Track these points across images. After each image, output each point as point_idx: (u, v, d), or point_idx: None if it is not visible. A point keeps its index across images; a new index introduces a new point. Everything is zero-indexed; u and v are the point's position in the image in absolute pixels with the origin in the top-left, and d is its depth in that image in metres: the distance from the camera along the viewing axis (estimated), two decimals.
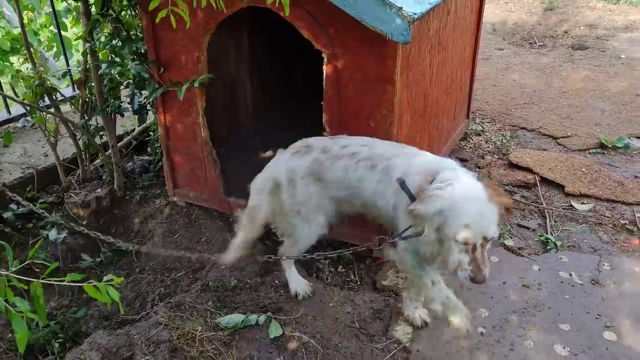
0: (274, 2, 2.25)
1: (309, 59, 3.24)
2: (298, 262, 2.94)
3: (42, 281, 1.60)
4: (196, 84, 3.02)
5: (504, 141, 4.57)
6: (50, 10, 4.11)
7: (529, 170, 4.10)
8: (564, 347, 2.59)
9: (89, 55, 3.41)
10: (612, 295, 2.91)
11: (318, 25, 2.68)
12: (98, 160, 4.02)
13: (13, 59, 4.93)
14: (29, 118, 3.77)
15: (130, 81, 3.53)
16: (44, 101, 3.74)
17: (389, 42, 2.46)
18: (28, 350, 2.69)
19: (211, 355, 2.45)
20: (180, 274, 3.18)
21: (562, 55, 6.79)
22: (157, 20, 1.96)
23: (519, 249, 3.28)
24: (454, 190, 2.12)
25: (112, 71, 3.46)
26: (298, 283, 2.87)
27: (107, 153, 3.79)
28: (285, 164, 2.64)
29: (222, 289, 2.91)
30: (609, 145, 4.47)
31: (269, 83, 4.51)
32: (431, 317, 2.69)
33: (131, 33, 3.35)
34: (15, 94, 3.66)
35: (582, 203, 3.74)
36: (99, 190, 3.71)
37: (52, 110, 3.58)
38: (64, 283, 1.64)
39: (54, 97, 3.53)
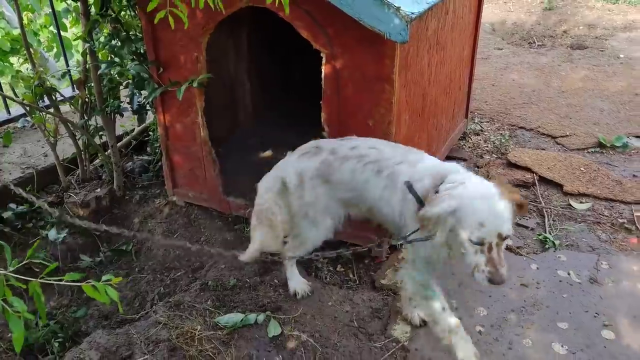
0: (273, 2, 2.26)
1: (308, 58, 3.25)
2: (297, 261, 2.95)
3: (41, 281, 1.60)
4: (195, 84, 3.03)
5: (503, 140, 4.58)
6: (50, 10, 4.12)
7: (527, 169, 4.11)
8: (562, 346, 2.60)
9: (88, 56, 3.42)
10: (610, 294, 2.92)
11: (317, 25, 2.68)
12: (98, 160, 4.03)
13: (13, 59, 4.95)
14: (28, 118, 3.78)
15: (130, 81, 3.54)
16: (43, 101, 3.75)
17: (387, 41, 2.47)
18: (27, 350, 2.70)
19: (210, 354, 2.46)
20: (179, 273, 3.19)
21: (561, 55, 6.79)
22: (155, 21, 1.97)
23: (518, 248, 3.28)
24: (465, 190, 2.09)
25: (112, 71, 3.47)
26: (298, 282, 2.88)
27: (106, 153, 3.80)
28: (294, 164, 2.63)
29: (221, 288, 2.92)
30: (608, 145, 4.48)
31: (268, 83, 4.52)
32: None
33: (130, 33, 3.36)
34: (15, 94, 3.67)
35: (581, 202, 3.75)
36: (99, 190, 3.72)
37: (51, 110, 3.59)
38: (62, 283, 1.64)
39: (53, 97, 3.54)
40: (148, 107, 3.77)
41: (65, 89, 4.43)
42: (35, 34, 4.97)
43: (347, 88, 2.80)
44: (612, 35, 7.36)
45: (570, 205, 3.72)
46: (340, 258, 3.18)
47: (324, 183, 2.55)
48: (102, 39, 3.44)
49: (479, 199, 2.05)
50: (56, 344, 2.72)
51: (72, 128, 3.66)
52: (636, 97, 5.43)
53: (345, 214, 2.68)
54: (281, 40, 4.07)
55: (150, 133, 4.17)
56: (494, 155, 4.41)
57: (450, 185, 2.15)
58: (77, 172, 3.89)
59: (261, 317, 2.67)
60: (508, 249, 3.26)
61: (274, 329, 2.61)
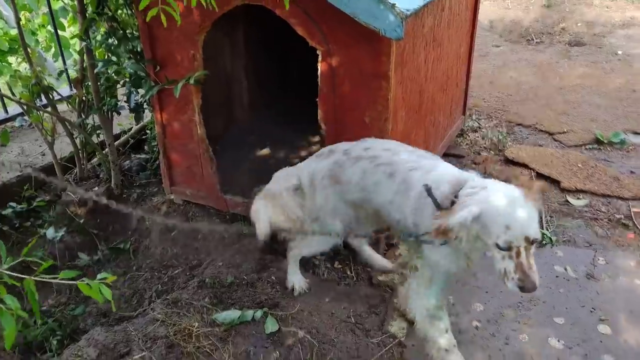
0: None
1: (305, 56, 3.25)
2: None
3: (35, 278, 1.61)
4: (192, 81, 3.03)
5: (500, 137, 4.58)
6: (48, 10, 4.13)
7: (525, 166, 4.12)
8: (558, 341, 2.61)
9: (85, 54, 3.42)
10: (606, 289, 2.93)
11: (312, 22, 2.69)
12: (95, 159, 4.03)
13: (11, 59, 4.95)
14: (26, 117, 3.78)
15: (127, 80, 3.54)
16: (41, 100, 3.75)
17: (383, 38, 2.47)
18: (26, 348, 2.71)
19: (207, 350, 2.47)
20: (177, 271, 3.19)
21: (559, 52, 6.80)
22: (147, 19, 1.97)
23: None
24: (488, 194, 2.00)
25: (109, 70, 3.47)
26: (297, 278, 2.89)
27: (104, 151, 3.81)
28: (308, 166, 2.64)
29: (218, 286, 2.92)
30: (605, 141, 4.49)
31: (265, 80, 4.52)
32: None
33: (127, 32, 3.36)
34: (13, 93, 3.68)
35: (578, 198, 3.76)
36: (97, 188, 3.72)
37: (49, 109, 3.59)
38: (56, 280, 1.64)
39: (50, 96, 3.54)
40: (145, 105, 3.77)
41: (63, 89, 4.44)
42: (34, 33, 4.96)
43: (343, 85, 2.80)
44: (610, 32, 7.36)
45: (568, 201, 3.73)
46: (337, 255, 3.18)
47: (335, 183, 2.53)
48: (98, 38, 3.44)
49: (503, 202, 1.96)
50: (54, 342, 2.73)
51: (69, 127, 3.66)
52: (634, 94, 5.44)
53: (354, 218, 2.64)
54: (278, 37, 4.08)
55: (148, 131, 4.17)
56: (491, 152, 4.42)
57: (470, 190, 2.06)
58: (75, 170, 3.90)
59: (258, 314, 2.67)
60: None
61: (271, 326, 2.61)
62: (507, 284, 1.97)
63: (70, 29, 4.52)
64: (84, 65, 3.49)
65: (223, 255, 3.20)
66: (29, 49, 3.45)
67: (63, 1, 3.82)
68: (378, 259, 3.05)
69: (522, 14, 8.26)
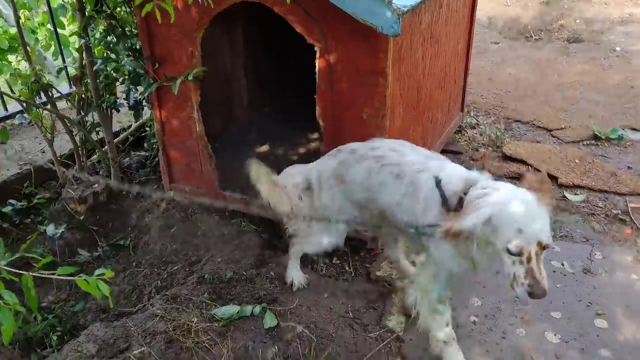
0: None
1: (304, 53, 3.26)
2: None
3: (33, 274, 1.62)
4: (190, 77, 3.05)
5: (499, 134, 4.59)
6: (47, 8, 4.14)
7: (522, 162, 4.13)
8: (555, 335, 2.62)
9: (84, 52, 3.44)
10: (603, 283, 2.95)
11: (310, 19, 2.70)
12: (95, 156, 4.04)
13: (11, 57, 4.96)
14: (26, 115, 3.80)
15: (126, 77, 3.56)
16: (40, 98, 3.76)
17: (380, 35, 2.48)
18: (26, 343, 2.73)
19: (206, 345, 2.49)
20: (176, 267, 3.21)
21: (558, 49, 6.81)
22: (142, 14, 1.98)
23: None
24: (500, 196, 1.95)
25: (108, 67, 3.48)
26: (296, 273, 2.91)
27: (103, 149, 3.82)
28: (317, 165, 2.66)
29: (217, 281, 2.94)
30: (603, 137, 4.50)
31: (264, 77, 4.53)
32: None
33: (126, 29, 3.37)
34: (12, 91, 3.69)
35: (575, 194, 3.77)
36: (96, 185, 3.73)
37: (48, 107, 3.60)
38: (54, 276, 1.65)
39: (50, 94, 3.55)
40: (144, 102, 3.78)
41: (63, 86, 4.46)
42: (33, 32, 4.97)
43: (341, 82, 2.81)
44: (609, 29, 7.36)
45: (565, 197, 3.74)
46: (336, 251, 3.20)
47: (340, 183, 2.53)
48: (97, 35, 3.46)
49: (515, 205, 1.90)
50: (54, 338, 2.75)
51: (69, 124, 3.68)
52: (632, 90, 5.45)
53: (359, 219, 2.63)
54: (277, 35, 4.09)
55: (147, 129, 4.19)
56: (489, 148, 4.43)
57: (481, 191, 2.02)
58: (75, 168, 3.91)
59: (257, 309, 2.69)
60: None
61: (270, 321, 2.63)
62: (517, 289, 1.93)
63: (69, 27, 4.53)
64: (83, 62, 3.50)
65: (222, 251, 3.22)
66: (28, 48, 3.47)
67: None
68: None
69: (520, 11, 8.26)
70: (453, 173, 2.21)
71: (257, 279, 2.96)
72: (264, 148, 3.95)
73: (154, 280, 3.16)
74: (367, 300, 2.85)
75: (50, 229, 3.41)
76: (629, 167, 4.09)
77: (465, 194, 2.06)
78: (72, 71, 3.92)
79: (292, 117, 4.05)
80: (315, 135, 3.80)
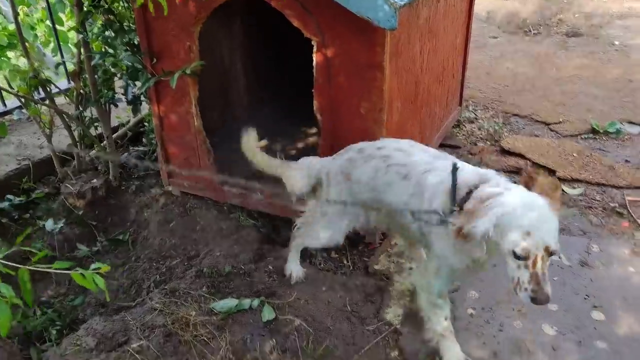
0: None
1: (302, 47, 3.26)
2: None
3: (30, 268, 1.63)
4: (188, 71, 3.05)
5: (497, 128, 4.60)
6: (46, 4, 4.13)
7: (521, 156, 4.14)
8: (552, 327, 2.63)
9: (82, 47, 3.44)
10: (600, 276, 2.96)
11: (307, 13, 2.70)
12: (93, 152, 4.05)
13: (10, 53, 4.95)
14: (24, 110, 3.80)
15: (124, 72, 3.56)
16: (39, 93, 3.77)
17: (377, 29, 2.48)
18: (26, 337, 2.74)
19: (205, 339, 2.50)
20: (175, 261, 3.22)
21: (556, 43, 6.81)
22: (137, 4, 1.98)
23: None
24: (510, 197, 1.92)
25: (105, 62, 3.49)
26: (296, 267, 2.92)
27: (102, 144, 3.83)
28: (327, 163, 2.66)
29: (216, 275, 2.95)
30: (601, 131, 4.51)
31: (262, 72, 4.53)
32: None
33: (124, 24, 3.37)
34: (10, 86, 3.69)
35: (573, 187, 3.78)
36: (95, 180, 3.74)
37: (47, 102, 3.61)
38: (51, 270, 1.66)
39: (48, 89, 3.56)
40: (142, 97, 3.79)
41: (61, 82, 4.45)
42: (32, 28, 4.97)
43: (338, 76, 2.81)
44: (607, 23, 7.37)
45: (563, 190, 3.75)
46: None
47: (346, 180, 2.53)
48: (95, 30, 3.46)
49: (525, 207, 1.87)
50: (54, 332, 2.76)
51: (67, 119, 3.68)
52: (630, 84, 5.46)
53: (365, 220, 2.62)
54: (276, 29, 4.09)
55: (146, 124, 4.19)
56: (487, 142, 4.43)
57: (491, 190, 1.99)
58: (73, 163, 3.92)
59: (255, 303, 2.70)
60: None
61: (268, 314, 2.64)
62: (520, 294, 1.91)
63: (68, 23, 4.53)
64: (81, 58, 3.50)
65: (221, 245, 3.23)
66: (27, 44, 3.47)
67: None
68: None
69: (519, 5, 8.26)
70: (468, 167, 2.22)
71: (256, 272, 2.97)
72: (262, 142, 3.95)
73: (152, 274, 3.17)
74: (365, 293, 2.86)
75: (49, 224, 3.42)
76: (626, 161, 4.10)
77: (476, 187, 2.05)
78: (70, 67, 3.92)
79: (290, 111, 4.05)
80: (314, 130, 3.81)
